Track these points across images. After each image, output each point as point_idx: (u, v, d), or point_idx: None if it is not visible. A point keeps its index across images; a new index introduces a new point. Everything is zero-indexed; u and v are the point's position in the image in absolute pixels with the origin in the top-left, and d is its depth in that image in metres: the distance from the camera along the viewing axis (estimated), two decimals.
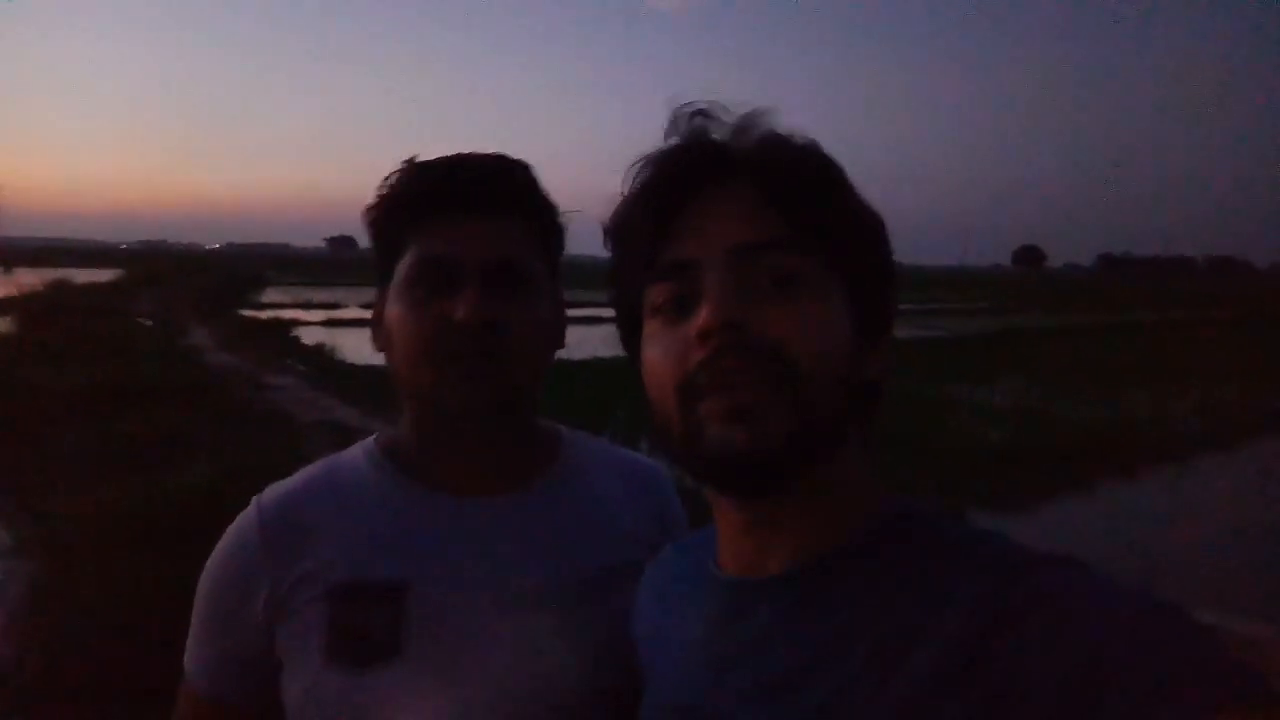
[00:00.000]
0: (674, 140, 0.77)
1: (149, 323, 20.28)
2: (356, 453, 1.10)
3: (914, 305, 41.19)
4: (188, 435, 7.87)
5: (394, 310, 1.01)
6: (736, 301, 0.69)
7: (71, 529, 5.42)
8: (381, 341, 1.05)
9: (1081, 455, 9.11)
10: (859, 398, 0.74)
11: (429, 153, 1.06)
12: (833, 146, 0.76)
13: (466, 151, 1.06)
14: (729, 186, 0.74)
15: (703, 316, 0.68)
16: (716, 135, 0.76)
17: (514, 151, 1.07)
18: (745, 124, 0.76)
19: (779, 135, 0.76)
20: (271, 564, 1.00)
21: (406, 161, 1.04)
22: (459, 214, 1.01)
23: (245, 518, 1.04)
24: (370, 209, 1.05)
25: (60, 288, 26.65)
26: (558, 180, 1.09)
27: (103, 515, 5.53)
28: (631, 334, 0.80)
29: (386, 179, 1.04)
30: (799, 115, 0.75)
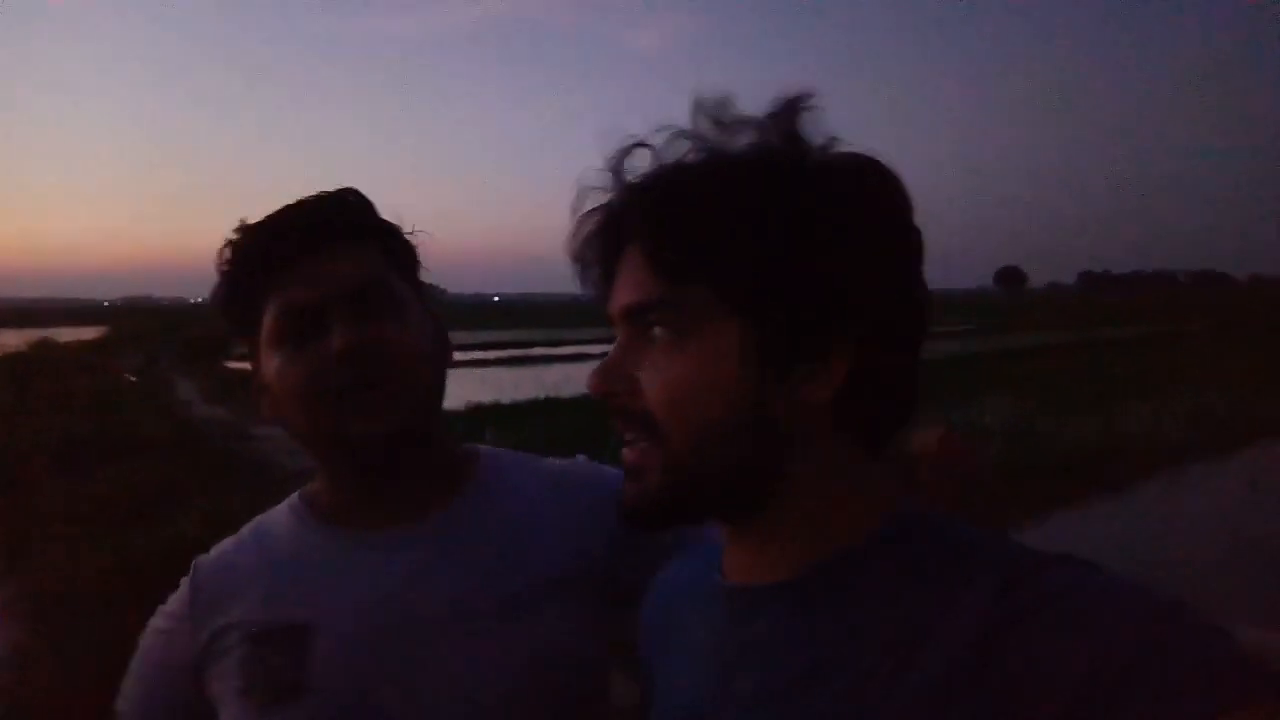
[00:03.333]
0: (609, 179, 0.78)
1: (134, 378, 20.19)
2: (282, 507, 1.12)
3: None
4: (175, 488, 7.82)
5: (271, 366, 1.00)
6: (616, 365, 0.75)
7: (59, 584, 5.36)
8: (269, 405, 1.04)
9: (1073, 471, 9.13)
10: (784, 426, 0.72)
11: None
12: None
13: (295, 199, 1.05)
14: (631, 246, 0.76)
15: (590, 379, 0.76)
16: (628, 183, 0.77)
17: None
18: (638, 177, 0.76)
19: (664, 186, 0.74)
20: (194, 618, 1.04)
21: (236, 229, 1.04)
22: (306, 256, 1.00)
23: (182, 581, 1.09)
24: (218, 284, 1.05)
25: (44, 347, 26.54)
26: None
27: (90, 569, 5.48)
28: None
29: (221, 252, 1.04)
30: None
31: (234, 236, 1.03)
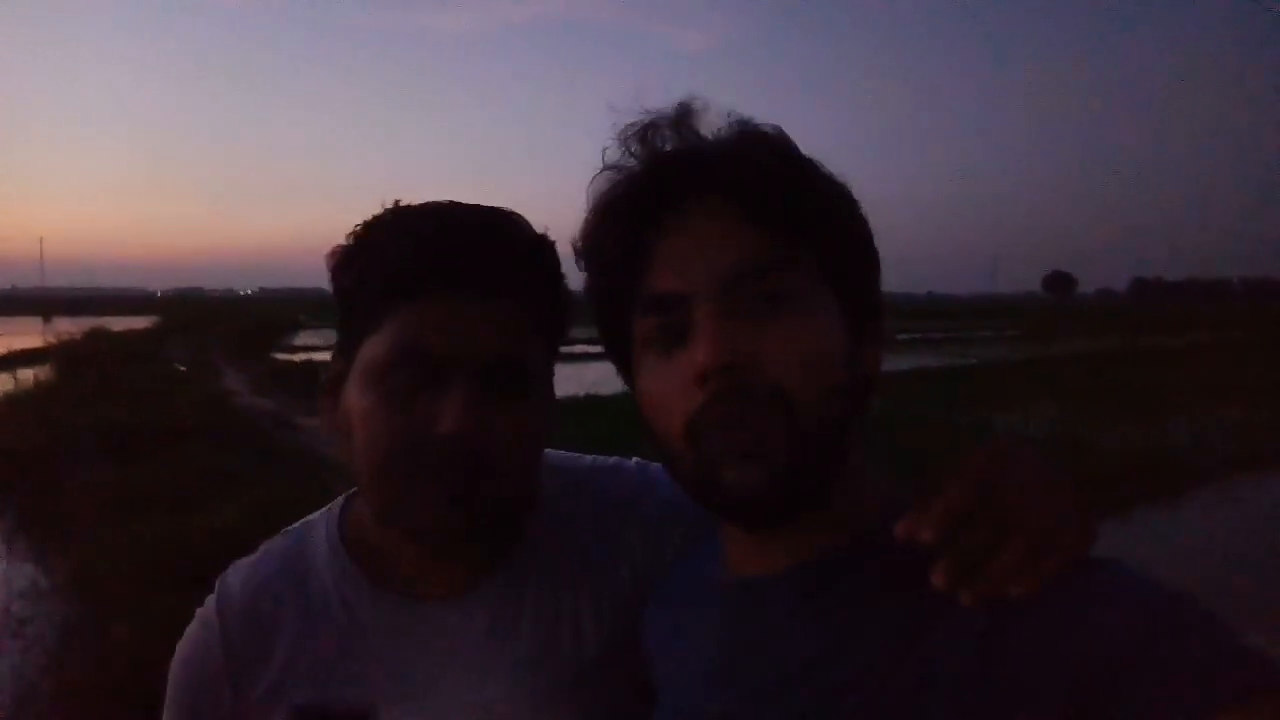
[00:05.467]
0: (629, 155, 0.75)
1: (183, 368, 20.54)
2: (320, 538, 0.98)
3: (945, 334, 40.86)
4: (220, 475, 7.94)
5: (360, 399, 0.85)
6: (728, 336, 0.68)
7: (103, 568, 5.48)
8: (337, 425, 0.90)
9: (1119, 481, 8.96)
10: (857, 397, 0.74)
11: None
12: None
13: (464, 204, 0.90)
14: (704, 202, 0.72)
15: (699, 359, 0.68)
16: (675, 145, 0.74)
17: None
18: (709, 129, 0.74)
19: (749, 138, 0.74)
20: (231, 674, 0.92)
21: (390, 209, 0.89)
22: (453, 292, 0.83)
23: (205, 614, 0.95)
24: (339, 263, 0.89)
25: (96, 335, 27.06)
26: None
27: (135, 554, 5.59)
28: (621, 357, 0.80)
29: (364, 227, 0.88)
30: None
31: (383, 218, 0.88)
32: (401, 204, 0.89)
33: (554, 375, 0.96)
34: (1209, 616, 0.56)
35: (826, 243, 0.72)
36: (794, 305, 0.70)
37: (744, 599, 0.77)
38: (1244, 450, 10.79)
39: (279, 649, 0.92)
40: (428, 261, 0.83)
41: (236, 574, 0.98)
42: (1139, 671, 0.53)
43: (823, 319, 0.71)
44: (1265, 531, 7.64)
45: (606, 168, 0.76)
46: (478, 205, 0.90)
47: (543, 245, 0.91)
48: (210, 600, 0.96)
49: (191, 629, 0.96)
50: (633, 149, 0.75)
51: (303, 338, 38.64)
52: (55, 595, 5.60)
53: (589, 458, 1.10)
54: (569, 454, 1.09)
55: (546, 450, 1.05)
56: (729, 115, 0.75)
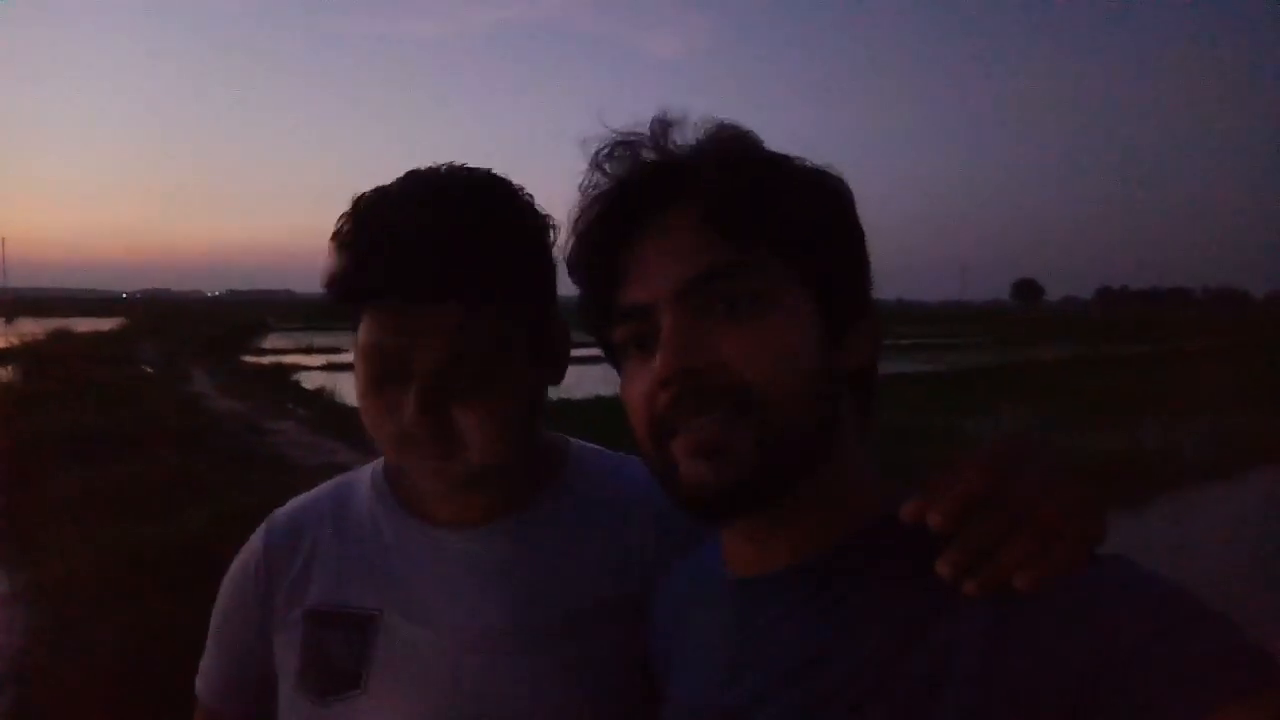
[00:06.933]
0: (600, 173, 0.77)
1: (151, 370, 20.30)
2: (366, 477, 1.09)
3: (913, 340, 41.19)
4: (189, 480, 7.85)
5: (357, 375, 0.92)
6: (689, 343, 0.70)
7: (72, 575, 5.39)
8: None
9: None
10: (841, 392, 0.75)
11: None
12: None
13: (422, 198, 0.88)
14: (671, 213, 0.73)
15: (658, 365, 0.70)
16: (650, 158, 0.76)
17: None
18: (680, 138, 0.76)
19: (711, 146, 0.75)
20: (268, 578, 1.03)
21: (356, 206, 0.90)
22: (405, 300, 0.86)
23: (256, 533, 1.08)
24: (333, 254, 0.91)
25: (61, 336, 26.66)
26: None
27: (103, 560, 5.51)
28: (618, 367, 0.81)
29: (338, 225, 0.90)
30: (796, 151, 0.76)
31: (349, 220, 0.89)
32: (364, 196, 0.90)
33: (555, 316, 0.98)
34: (1212, 613, 0.56)
35: (795, 243, 0.72)
36: (755, 307, 0.71)
37: (744, 598, 0.78)
38: (1210, 457, 10.94)
39: (308, 555, 1.03)
40: (379, 273, 0.86)
41: (288, 505, 1.10)
42: (1142, 668, 0.53)
43: (787, 319, 0.71)
44: (1235, 538, 7.76)
45: (582, 190, 0.78)
46: (437, 194, 0.89)
47: (505, 231, 0.90)
48: (262, 524, 1.09)
49: (242, 550, 1.08)
50: (606, 168, 0.77)
51: (271, 340, 38.32)
52: (19, 601, 5.50)
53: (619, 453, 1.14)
54: (599, 447, 1.15)
55: (577, 441, 1.13)
56: (700, 123, 0.76)
